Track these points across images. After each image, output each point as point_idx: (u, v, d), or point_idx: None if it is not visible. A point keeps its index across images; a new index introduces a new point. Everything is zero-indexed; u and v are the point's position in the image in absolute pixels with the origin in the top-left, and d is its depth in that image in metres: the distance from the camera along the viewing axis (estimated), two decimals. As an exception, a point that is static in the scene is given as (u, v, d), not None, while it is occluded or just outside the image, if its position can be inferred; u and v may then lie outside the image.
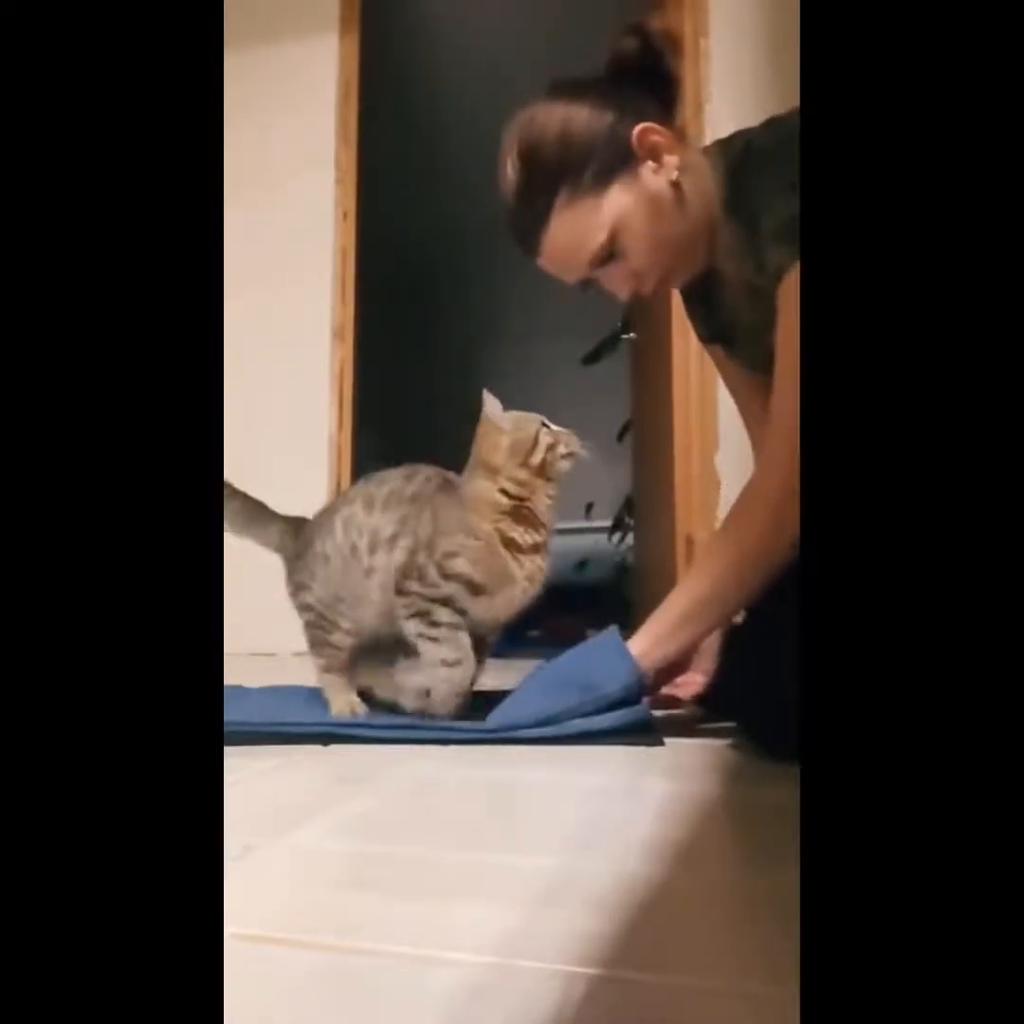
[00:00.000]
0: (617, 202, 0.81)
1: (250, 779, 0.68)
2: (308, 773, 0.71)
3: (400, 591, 0.89)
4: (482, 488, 0.91)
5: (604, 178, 0.81)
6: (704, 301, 1.00)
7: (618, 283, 0.87)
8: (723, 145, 0.87)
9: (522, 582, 0.91)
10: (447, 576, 0.88)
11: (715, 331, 1.01)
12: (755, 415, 1.03)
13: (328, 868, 0.45)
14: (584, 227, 0.82)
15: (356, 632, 0.95)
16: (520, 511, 0.91)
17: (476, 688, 0.92)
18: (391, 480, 0.95)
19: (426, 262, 4.73)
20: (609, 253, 0.83)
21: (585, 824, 0.54)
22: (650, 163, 0.82)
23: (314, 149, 2.34)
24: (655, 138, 0.82)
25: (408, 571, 0.89)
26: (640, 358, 2.54)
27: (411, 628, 0.89)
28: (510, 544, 0.90)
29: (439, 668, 0.88)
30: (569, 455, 0.92)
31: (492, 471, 0.91)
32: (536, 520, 0.92)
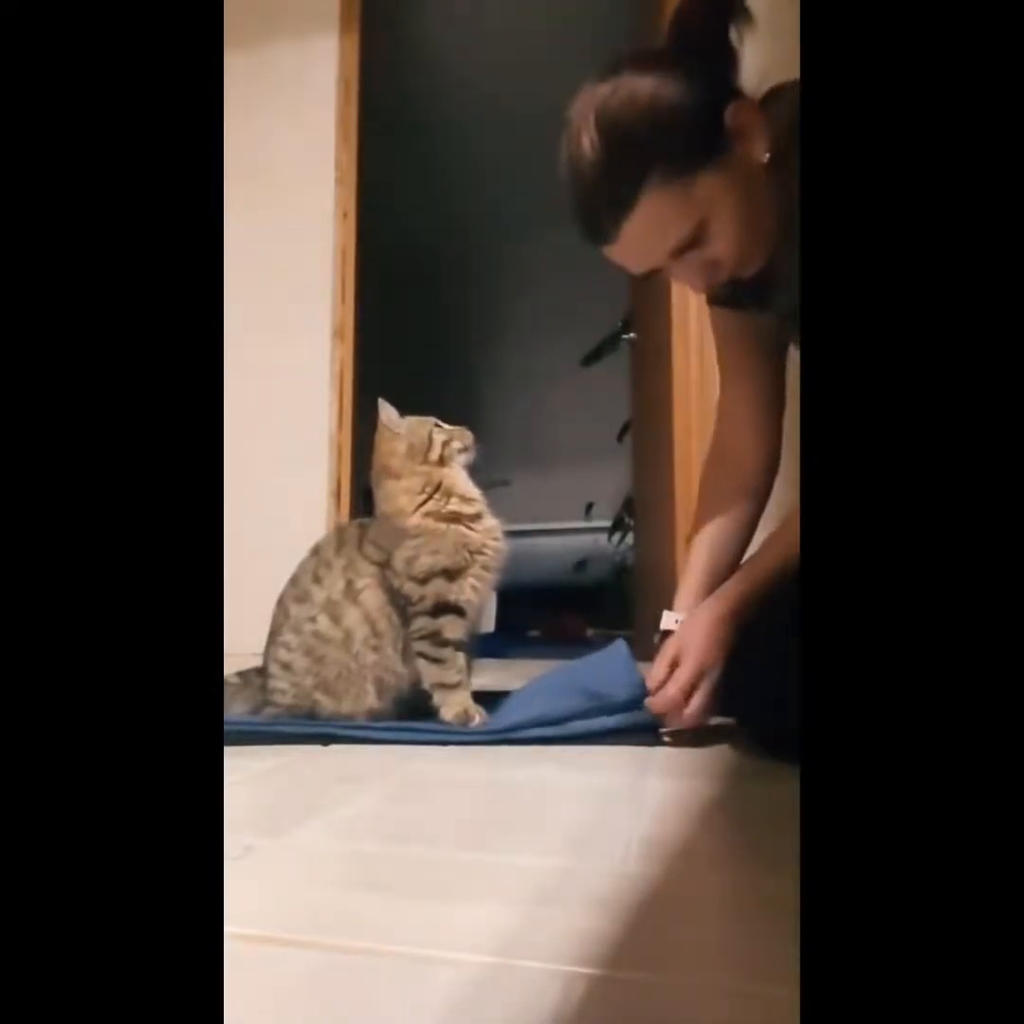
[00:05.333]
0: (708, 187, 0.74)
1: (250, 779, 0.68)
2: (308, 773, 0.71)
3: (406, 622, 0.89)
4: (392, 490, 0.96)
5: (697, 161, 0.73)
6: None
7: (692, 273, 0.80)
8: (774, 98, 0.79)
9: (489, 542, 0.94)
10: (422, 580, 0.89)
11: (734, 291, 0.92)
12: (746, 384, 0.98)
13: (328, 868, 0.45)
14: (672, 216, 0.74)
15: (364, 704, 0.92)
16: (437, 492, 0.95)
17: (476, 688, 0.92)
18: (320, 548, 0.97)
19: (426, 262, 4.73)
20: (693, 242, 0.76)
21: (585, 824, 0.54)
22: (741, 144, 0.75)
23: (314, 149, 2.34)
24: (748, 117, 0.75)
25: (396, 602, 0.89)
26: (640, 358, 2.54)
27: (417, 648, 0.89)
28: (452, 518, 0.93)
29: (437, 691, 0.88)
30: (464, 449, 1.00)
31: (394, 475, 0.96)
32: (460, 493, 0.96)
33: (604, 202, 0.75)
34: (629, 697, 0.84)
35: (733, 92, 0.76)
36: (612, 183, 0.73)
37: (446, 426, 1.00)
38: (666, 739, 0.83)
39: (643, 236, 0.75)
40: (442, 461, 0.96)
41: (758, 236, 0.79)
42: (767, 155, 0.75)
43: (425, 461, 0.96)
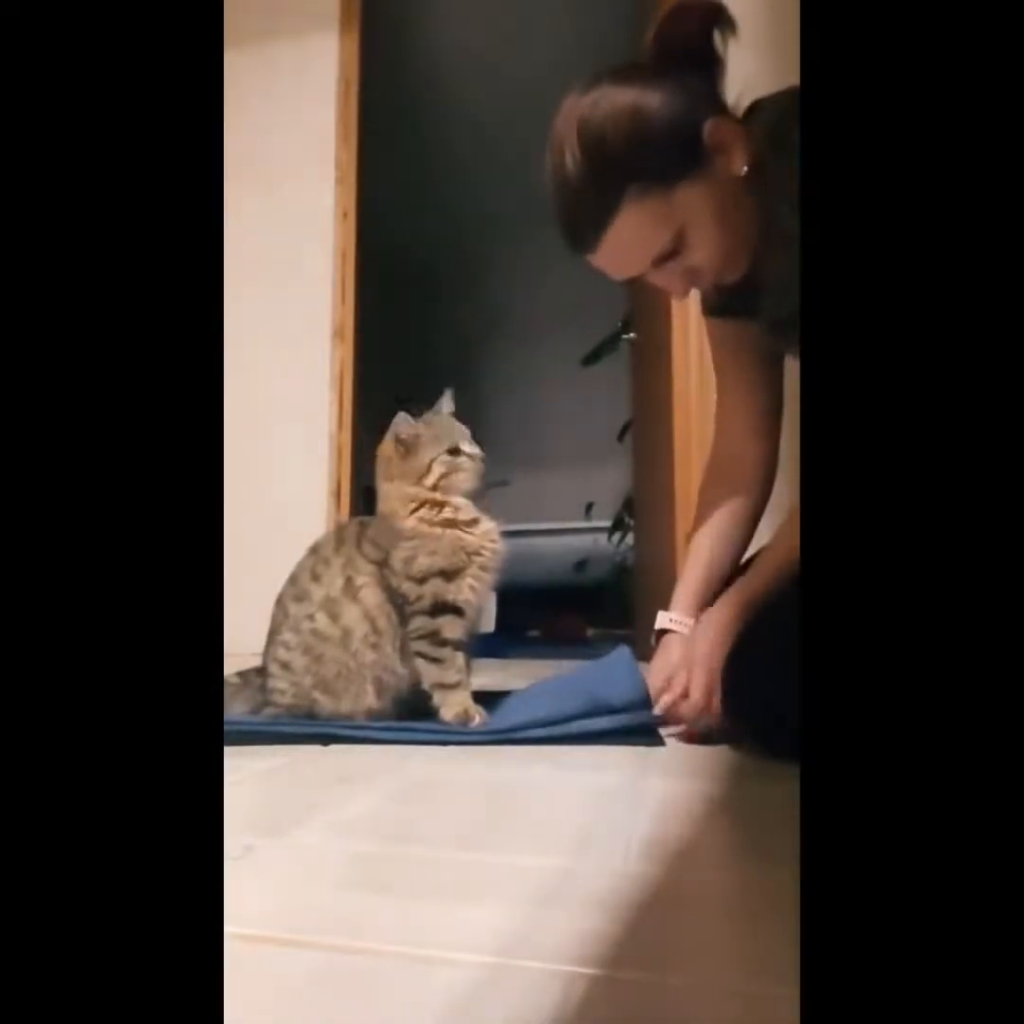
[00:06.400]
0: (687, 199, 0.76)
1: (250, 779, 0.68)
2: (308, 773, 0.71)
3: (405, 621, 0.89)
4: (387, 491, 0.95)
5: (675, 174, 0.75)
6: None
7: (674, 281, 0.83)
8: (755, 113, 0.81)
9: (486, 544, 0.93)
10: (420, 580, 0.89)
11: (726, 301, 0.94)
12: (742, 399, 0.98)
13: (328, 868, 0.45)
14: (651, 225, 0.76)
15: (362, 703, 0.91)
16: (427, 503, 0.93)
17: (475, 688, 0.92)
18: (319, 546, 0.96)
19: (426, 262, 4.73)
20: (672, 251, 0.78)
21: (585, 824, 0.54)
22: (719, 158, 0.77)
23: (314, 149, 2.34)
24: (726, 132, 0.76)
25: (394, 601, 0.89)
26: (640, 358, 2.54)
27: (416, 648, 0.89)
28: (448, 524, 0.92)
29: (436, 691, 0.88)
30: (465, 485, 0.95)
31: (388, 480, 0.96)
32: (452, 504, 0.94)
33: (585, 213, 0.77)
34: (631, 700, 0.84)
35: (715, 104, 0.77)
36: (593, 195, 0.75)
37: (465, 451, 0.96)
38: (676, 736, 0.83)
39: (623, 246, 0.78)
40: (435, 488, 0.94)
41: (737, 245, 0.80)
42: (745, 168, 0.77)
43: (418, 483, 0.94)
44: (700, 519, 0.99)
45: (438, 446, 0.95)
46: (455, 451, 0.95)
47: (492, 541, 0.94)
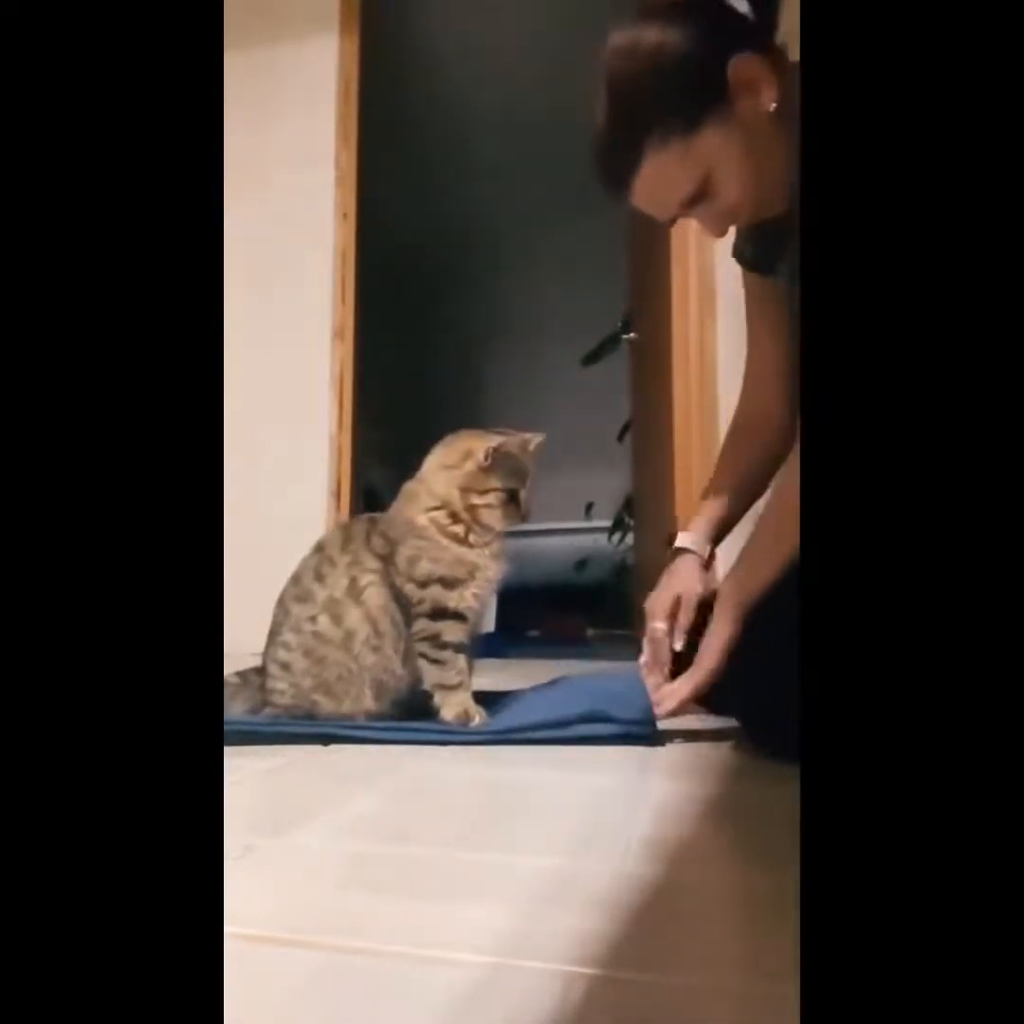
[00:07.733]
0: (711, 142, 0.76)
1: (250, 779, 0.68)
2: (308, 773, 0.71)
3: (409, 622, 0.89)
4: (434, 476, 0.93)
5: (698, 116, 0.75)
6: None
7: (710, 222, 0.83)
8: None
9: (490, 562, 0.92)
10: (422, 584, 0.88)
11: (757, 251, 0.93)
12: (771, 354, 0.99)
13: (328, 868, 0.45)
14: (676, 170, 0.77)
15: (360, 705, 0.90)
16: (459, 514, 0.91)
17: (475, 688, 0.92)
18: (324, 544, 0.95)
19: (426, 262, 4.73)
20: (702, 193, 0.79)
21: (585, 824, 0.54)
22: (745, 96, 0.75)
23: (314, 149, 2.34)
24: (752, 70, 0.75)
25: (399, 601, 0.89)
26: (640, 358, 2.54)
27: (418, 649, 0.89)
28: (456, 539, 0.91)
29: (437, 691, 0.88)
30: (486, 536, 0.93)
31: (449, 466, 0.93)
32: (473, 525, 0.91)
33: (613, 161, 0.79)
34: (636, 718, 0.83)
35: (752, 39, 0.76)
36: (618, 144, 0.78)
37: (521, 502, 0.92)
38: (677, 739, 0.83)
39: (652, 193, 0.80)
40: (470, 509, 0.91)
41: (772, 181, 0.79)
42: (773, 105, 0.76)
43: (464, 493, 0.91)
44: (722, 460, 1.01)
45: (507, 481, 0.92)
46: (513, 495, 0.92)
47: (495, 557, 0.93)
